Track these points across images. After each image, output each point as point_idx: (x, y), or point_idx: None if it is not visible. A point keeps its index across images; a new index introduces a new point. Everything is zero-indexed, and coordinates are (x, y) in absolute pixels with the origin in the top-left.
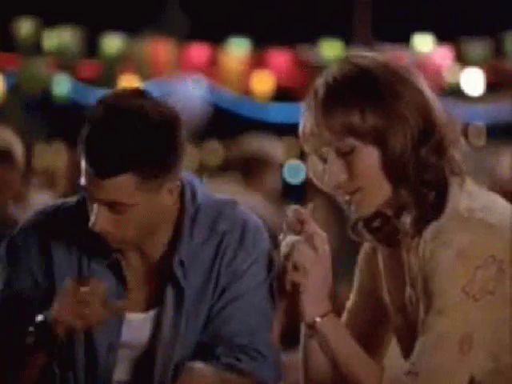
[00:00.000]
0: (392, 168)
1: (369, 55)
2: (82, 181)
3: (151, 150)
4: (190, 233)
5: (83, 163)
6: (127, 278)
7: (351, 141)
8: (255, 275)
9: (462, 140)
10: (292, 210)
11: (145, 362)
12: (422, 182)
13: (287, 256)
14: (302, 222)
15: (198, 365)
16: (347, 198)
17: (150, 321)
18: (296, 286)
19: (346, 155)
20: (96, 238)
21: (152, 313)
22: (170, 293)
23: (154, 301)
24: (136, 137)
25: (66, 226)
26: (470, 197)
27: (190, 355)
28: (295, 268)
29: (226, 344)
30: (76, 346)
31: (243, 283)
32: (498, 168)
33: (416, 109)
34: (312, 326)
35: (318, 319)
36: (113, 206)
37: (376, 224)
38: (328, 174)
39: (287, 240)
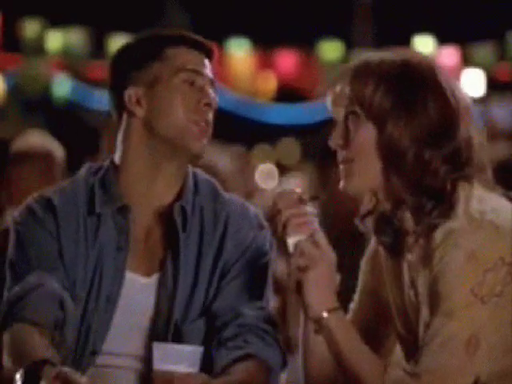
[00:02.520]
0: (386, 151)
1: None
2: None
3: None
4: (193, 193)
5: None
6: (130, 232)
7: (358, 109)
8: (259, 249)
9: (487, 166)
10: (287, 191)
11: (144, 324)
12: (421, 187)
13: (294, 254)
14: (299, 202)
15: None
16: (341, 167)
17: (151, 286)
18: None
19: (350, 123)
20: (104, 188)
21: (154, 277)
22: (169, 244)
23: (157, 266)
24: None
25: (69, 189)
26: (480, 200)
27: (194, 315)
28: (298, 268)
29: (234, 323)
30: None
31: (249, 257)
32: None
33: (438, 115)
34: (318, 321)
35: (325, 314)
36: None
37: (383, 227)
38: (332, 134)
39: (293, 240)
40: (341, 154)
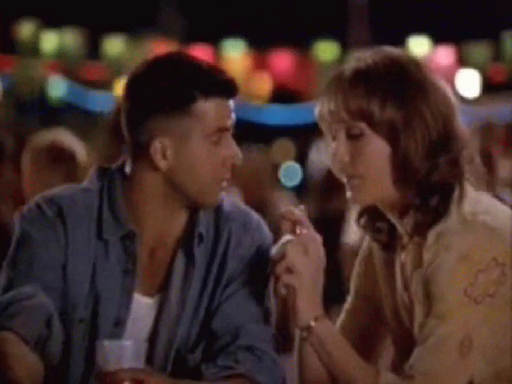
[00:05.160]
0: (402, 169)
1: (403, 51)
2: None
3: None
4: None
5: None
6: (138, 255)
7: (363, 126)
8: (261, 264)
9: (477, 159)
10: (284, 211)
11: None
12: (428, 185)
13: (280, 258)
14: (294, 223)
15: None
16: (346, 181)
17: (155, 306)
18: (289, 289)
19: (354, 139)
20: (112, 210)
21: (157, 297)
22: (179, 265)
23: (159, 287)
24: None
25: (81, 200)
26: (472, 201)
27: (193, 337)
28: (289, 270)
29: (232, 345)
30: (76, 327)
31: (250, 273)
32: None
33: (439, 115)
34: (307, 329)
35: (312, 323)
36: None
37: (378, 225)
38: (334, 153)
39: (280, 241)
40: (344, 169)
